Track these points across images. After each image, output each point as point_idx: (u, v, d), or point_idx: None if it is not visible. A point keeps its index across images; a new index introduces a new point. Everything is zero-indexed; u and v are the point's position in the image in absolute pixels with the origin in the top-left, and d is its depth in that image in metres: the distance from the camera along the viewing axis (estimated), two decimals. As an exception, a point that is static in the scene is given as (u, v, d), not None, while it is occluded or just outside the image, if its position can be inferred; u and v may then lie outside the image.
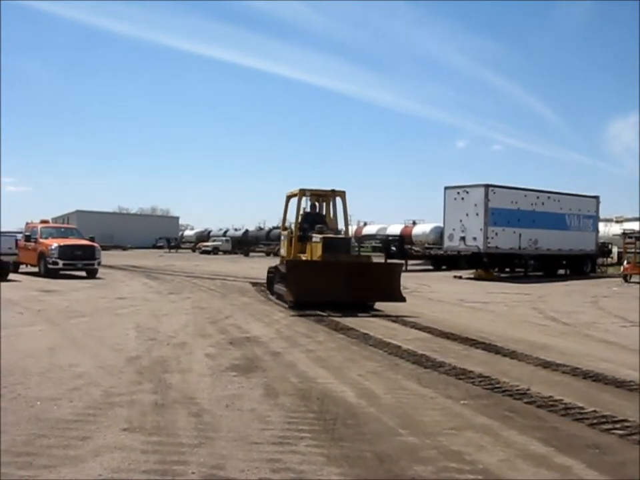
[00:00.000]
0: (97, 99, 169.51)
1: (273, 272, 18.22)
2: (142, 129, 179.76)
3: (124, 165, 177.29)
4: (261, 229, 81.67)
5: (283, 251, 18.23)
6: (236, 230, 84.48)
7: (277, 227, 35.97)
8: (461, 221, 32.00)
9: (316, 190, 17.47)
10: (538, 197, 34.05)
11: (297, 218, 17.14)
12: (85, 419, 5.61)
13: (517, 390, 7.11)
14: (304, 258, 16.24)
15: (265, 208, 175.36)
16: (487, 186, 31.34)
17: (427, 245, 48.80)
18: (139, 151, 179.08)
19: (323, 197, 17.67)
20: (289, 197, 18.03)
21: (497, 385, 7.34)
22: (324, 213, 17.76)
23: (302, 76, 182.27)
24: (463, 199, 32.09)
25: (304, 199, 17.23)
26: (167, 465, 4.53)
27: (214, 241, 75.46)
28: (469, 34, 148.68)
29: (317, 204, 17.71)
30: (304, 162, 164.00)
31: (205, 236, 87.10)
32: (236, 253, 67.50)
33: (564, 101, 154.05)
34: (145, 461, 4.61)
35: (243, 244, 70.92)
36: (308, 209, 17.49)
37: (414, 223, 58.91)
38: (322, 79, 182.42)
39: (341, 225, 17.60)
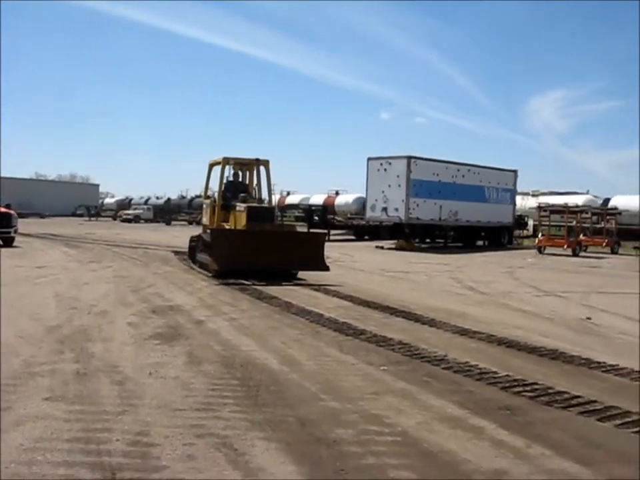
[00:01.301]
0: (9, 64, 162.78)
1: (195, 241, 18.06)
2: (60, 94, 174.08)
3: (41, 131, 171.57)
4: (183, 197, 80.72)
5: (205, 220, 18.12)
6: (158, 198, 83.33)
7: (200, 196, 35.57)
8: (383, 191, 32.41)
9: (239, 158, 17.37)
10: (458, 170, 34.78)
11: (220, 186, 17.00)
12: (4, 389, 5.50)
13: (435, 356, 7.35)
14: (227, 227, 16.19)
15: (188, 176, 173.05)
16: (409, 158, 31.77)
17: (349, 215, 49.22)
18: (57, 117, 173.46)
19: (247, 165, 17.60)
20: (211, 165, 17.88)
21: (416, 352, 7.56)
22: (247, 181, 17.72)
23: (227, 43, 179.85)
24: (385, 170, 32.46)
25: (227, 167, 17.12)
26: (90, 433, 4.53)
27: (135, 209, 73.98)
28: (397, 8, 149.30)
29: (240, 173, 17.65)
30: (228, 130, 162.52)
31: (126, 204, 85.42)
32: (158, 222, 66.33)
33: (488, 76, 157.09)
34: (68, 429, 4.59)
35: (165, 212, 69.88)
36: (231, 178, 17.41)
37: (337, 193, 59.35)
38: (247, 47, 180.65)
39: (264, 194, 17.59)
